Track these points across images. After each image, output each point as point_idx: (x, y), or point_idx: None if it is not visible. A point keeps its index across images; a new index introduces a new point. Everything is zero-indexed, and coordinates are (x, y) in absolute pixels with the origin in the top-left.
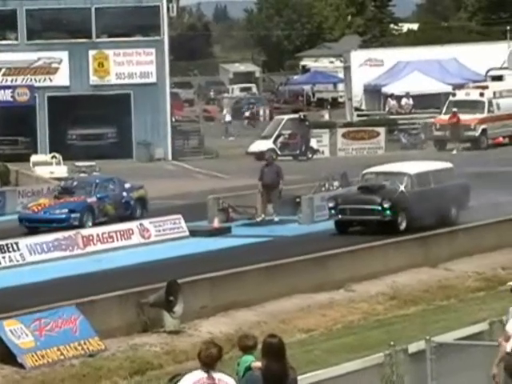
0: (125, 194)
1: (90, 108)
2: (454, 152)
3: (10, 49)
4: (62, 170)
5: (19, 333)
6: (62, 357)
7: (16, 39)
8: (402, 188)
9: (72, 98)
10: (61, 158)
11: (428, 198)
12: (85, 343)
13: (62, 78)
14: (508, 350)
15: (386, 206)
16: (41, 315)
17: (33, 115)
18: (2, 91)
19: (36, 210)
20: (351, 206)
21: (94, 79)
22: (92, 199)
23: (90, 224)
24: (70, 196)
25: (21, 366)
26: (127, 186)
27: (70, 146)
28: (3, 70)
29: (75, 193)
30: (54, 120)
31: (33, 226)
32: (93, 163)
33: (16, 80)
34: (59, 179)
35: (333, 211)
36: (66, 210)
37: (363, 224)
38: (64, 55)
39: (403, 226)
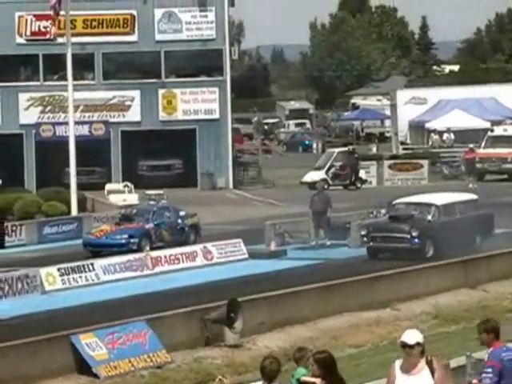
0: (180, 221)
1: (159, 141)
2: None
3: (87, 88)
4: (133, 198)
5: (94, 346)
6: (132, 368)
7: (93, 79)
8: (429, 218)
9: (143, 133)
10: (132, 186)
11: (454, 227)
12: (153, 355)
13: (134, 115)
14: None
15: (414, 234)
16: (114, 330)
17: (107, 148)
18: (80, 126)
19: (98, 235)
20: (382, 233)
21: (162, 115)
22: (149, 225)
23: (148, 248)
24: (130, 223)
25: (95, 376)
26: (182, 213)
27: (141, 176)
28: (81, 107)
29: (134, 220)
30: (127, 152)
31: (95, 250)
32: (161, 192)
33: (93, 116)
34: (131, 206)
35: (365, 238)
36: (126, 236)
37: (392, 251)
38: (136, 94)
39: (430, 253)
